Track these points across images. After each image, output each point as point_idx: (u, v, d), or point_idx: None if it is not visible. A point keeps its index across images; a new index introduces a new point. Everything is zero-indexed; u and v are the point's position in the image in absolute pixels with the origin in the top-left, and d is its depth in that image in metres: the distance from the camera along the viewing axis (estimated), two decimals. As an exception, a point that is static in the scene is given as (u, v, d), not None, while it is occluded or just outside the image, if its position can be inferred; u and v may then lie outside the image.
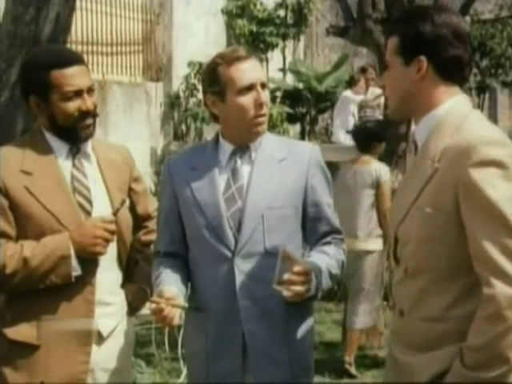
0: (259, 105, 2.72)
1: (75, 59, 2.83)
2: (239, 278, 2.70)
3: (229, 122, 2.77)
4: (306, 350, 2.82)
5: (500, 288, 2.10)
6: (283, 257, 2.57)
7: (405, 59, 2.31)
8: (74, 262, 2.74)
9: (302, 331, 2.78)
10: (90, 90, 2.82)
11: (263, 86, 2.74)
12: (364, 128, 6.13)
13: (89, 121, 2.82)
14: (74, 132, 2.80)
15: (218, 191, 2.74)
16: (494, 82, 14.71)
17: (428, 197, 2.23)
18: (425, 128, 2.32)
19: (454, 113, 2.29)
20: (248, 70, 2.72)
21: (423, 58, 2.28)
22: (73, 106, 2.78)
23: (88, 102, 2.79)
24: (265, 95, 2.74)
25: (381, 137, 5.98)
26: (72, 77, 2.77)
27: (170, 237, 2.84)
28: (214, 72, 2.74)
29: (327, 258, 2.76)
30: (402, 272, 2.33)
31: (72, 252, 2.73)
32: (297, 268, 2.56)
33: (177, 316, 2.63)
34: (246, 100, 2.71)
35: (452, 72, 2.31)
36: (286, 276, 2.55)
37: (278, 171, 2.76)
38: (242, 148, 2.79)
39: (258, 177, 2.75)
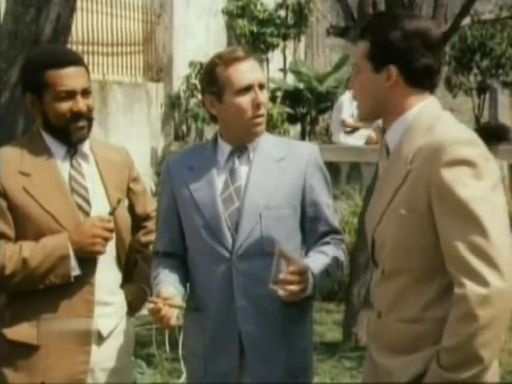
0: (257, 105, 2.72)
1: (73, 60, 2.82)
2: (237, 278, 2.70)
3: (227, 122, 2.77)
4: (305, 349, 2.82)
5: (471, 287, 2.09)
6: (279, 256, 2.56)
7: (374, 66, 2.31)
8: (73, 262, 2.75)
9: (299, 330, 2.78)
10: (86, 93, 2.81)
11: (261, 86, 2.74)
12: (488, 128, 6.41)
13: (82, 123, 2.80)
14: (67, 133, 2.80)
15: (216, 191, 2.74)
16: (494, 82, 14.69)
17: (402, 198, 2.23)
18: (396, 132, 2.32)
19: (425, 114, 2.29)
20: (246, 71, 2.72)
21: (393, 68, 2.28)
22: (65, 106, 2.77)
23: (80, 104, 2.78)
24: (263, 96, 2.74)
25: (501, 137, 6.25)
26: (66, 77, 2.77)
27: (168, 237, 2.84)
28: (212, 72, 2.75)
29: (325, 258, 2.75)
30: (380, 274, 2.33)
31: (71, 252, 2.74)
32: (292, 267, 2.56)
33: (174, 316, 2.63)
34: (244, 101, 2.71)
35: (422, 80, 2.31)
36: (282, 275, 2.55)
37: (276, 171, 2.76)
38: (240, 148, 2.79)
39: (255, 177, 2.75)
